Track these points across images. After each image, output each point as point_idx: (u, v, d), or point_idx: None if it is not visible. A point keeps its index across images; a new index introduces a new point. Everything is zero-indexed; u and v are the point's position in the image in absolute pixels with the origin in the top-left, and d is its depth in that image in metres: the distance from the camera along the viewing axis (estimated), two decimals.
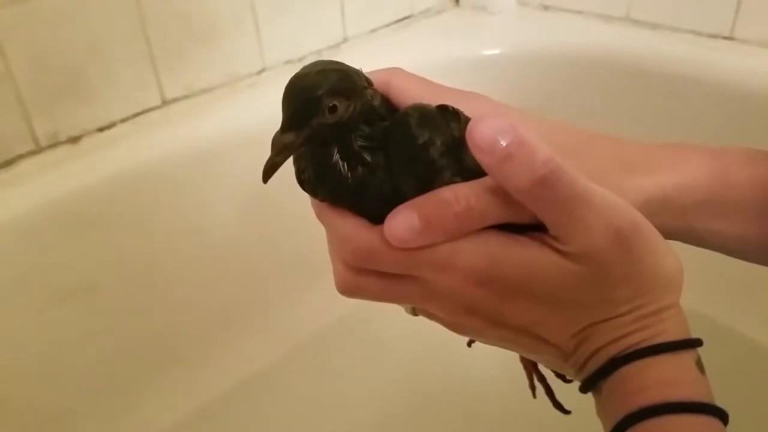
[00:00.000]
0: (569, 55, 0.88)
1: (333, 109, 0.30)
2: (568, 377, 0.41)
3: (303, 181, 0.33)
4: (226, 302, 0.78)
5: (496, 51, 0.88)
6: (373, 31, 0.89)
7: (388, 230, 0.30)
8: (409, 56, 0.86)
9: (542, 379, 0.43)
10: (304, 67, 0.31)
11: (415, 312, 0.37)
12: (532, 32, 0.92)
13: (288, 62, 0.81)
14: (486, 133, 0.28)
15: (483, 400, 0.77)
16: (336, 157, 0.31)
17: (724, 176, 0.37)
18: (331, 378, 0.81)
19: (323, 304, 0.79)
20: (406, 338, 0.80)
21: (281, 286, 0.83)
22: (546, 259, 0.30)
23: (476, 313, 0.32)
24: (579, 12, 0.93)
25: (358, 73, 0.32)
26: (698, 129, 0.81)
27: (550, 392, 0.43)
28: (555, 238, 0.30)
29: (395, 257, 0.30)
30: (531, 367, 0.44)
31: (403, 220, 0.30)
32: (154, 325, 0.73)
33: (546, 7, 0.97)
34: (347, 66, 0.31)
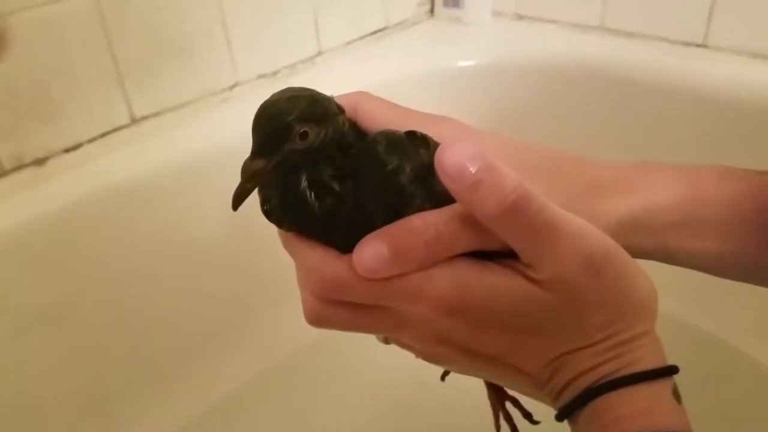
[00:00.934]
0: (544, 64, 0.88)
1: (304, 135, 0.29)
2: (534, 418, 0.41)
3: (267, 212, 0.32)
4: (201, 322, 0.77)
5: (472, 62, 0.87)
6: (348, 43, 0.88)
7: (357, 260, 0.29)
8: (384, 68, 0.86)
9: (509, 419, 0.43)
10: (274, 94, 0.30)
11: (387, 340, 0.36)
12: (507, 43, 0.92)
13: (261, 76, 0.79)
14: (454, 160, 0.27)
15: (463, 418, 0.76)
16: (304, 185, 0.30)
17: (696, 195, 0.37)
18: (308, 397, 0.80)
19: (300, 323, 0.78)
20: (383, 358, 0.79)
21: (256, 306, 0.81)
22: (517, 287, 0.29)
23: (448, 342, 0.31)
24: (553, 21, 0.93)
25: (329, 99, 0.31)
26: (673, 137, 0.81)
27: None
28: (526, 265, 0.29)
29: (364, 288, 0.30)
30: (498, 406, 0.44)
31: (372, 250, 0.29)
32: (127, 348, 0.71)
33: (521, 17, 0.97)
34: (318, 92, 0.31)
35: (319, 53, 0.85)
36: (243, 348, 0.80)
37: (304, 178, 0.30)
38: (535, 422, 0.42)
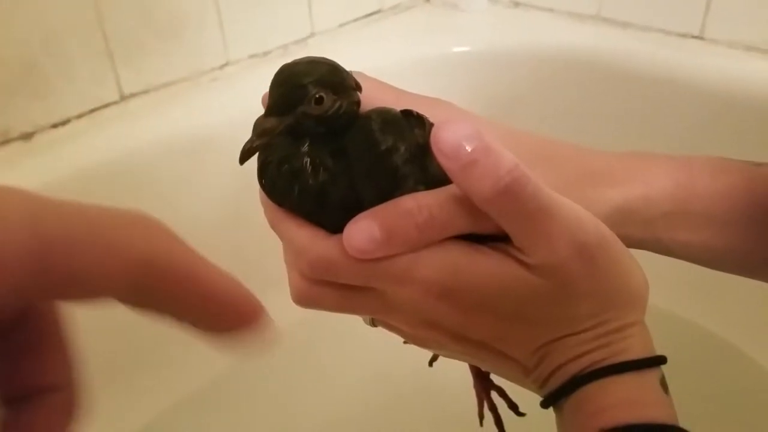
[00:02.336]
0: (539, 53, 0.87)
1: (319, 100, 0.29)
2: (520, 410, 0.41)
3: (261, 176, 0.32)
4: None
5: (466, 48, 0.86)
6: (342, 25, 0.87)
7: (347, 240, 0.29)
8: (377, 52, 0.85)
9: (493, 409, 0.43)
10: (297, 59, 0.30)
11: (374, 323, 0.36)
12: (503, 30, 0.91)
13: (253, 56, 0.78)
14: (451, 138, 0.27)
15: (446, 405, 0.76)
16: (304, 154, 0.30)
17: (690, 187, 0.37)
18: (291, 380, 0.80)
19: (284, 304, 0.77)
20: (368, 343, 0.79)
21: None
22: (508, 271, 0.29)
23: (436, 326, 0.31)
24: (550, 10, 0.93)
25: (348, 73, 0.31)
26: (667, 128, 0.81)
27: (499, 423, 0.43)
28: (519, 249, 0.29)
29: (353, 269, 0.29)
30: (483, 395, 0.43)
31: (363, 231, 0.28)
32: (105, 332, 0.70)
33: (517, 4, 0.96)
34: (339, 64, 0.31)
35: (312, 35, 0.84)
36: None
37: (306, 145, 0.30)
38: (520, 414, 0.42)
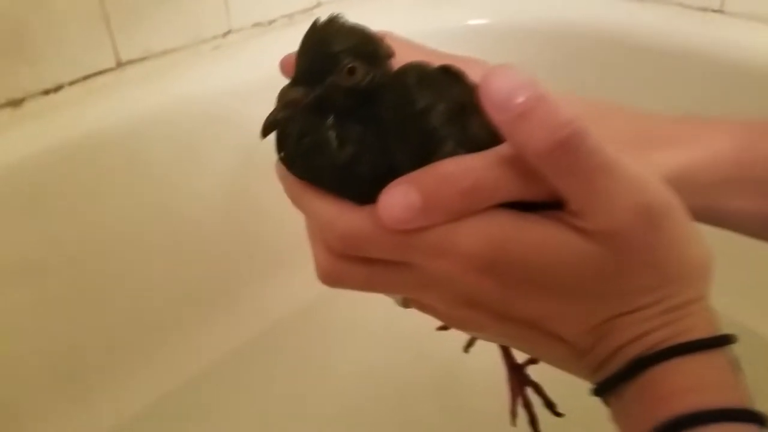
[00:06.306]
0: (556, 27, 0.84)
1: (352, 71, 0.26)
2: (557, 409, 0.38)
3: (281, 149, 0.29)
4: (188, 288, 0.73)
5: (483, 21, 0.83)
6: None
7: (382, 209, 0.25)
8: (387, 24, 0.79)
9: (528, 406, 0.40)
10: (325, 20, 0.28)
11: (406, 303, 0.33)
12: (521, 2, 0.88)
13: (256, 25, 0.74)
14: (502, 87, 0.24)
15: (475, 400, 0.73)
16: (329, 131, 0.27)
17: (748, 152, 0.34)
18: (300, 366, 0.76)
19: (291, 290, 0.74)
20: (383, 331, 0.75)
21: (248, 271, 0.77)
22: (562, 239, 0.26)
23: (478, 304, 0.28)
24: None
25: (381, 40, 0.28)
26: (686, 103, 0.78)
27: (534, 422, 0.39)
28: (574, 214, 0.26)
29: (387, 241, 0.26)
30: (517, 390, 0.40)
31: (400, 198, 0.25)
32: (106, 312, 0.67)
33: None
34: (371, 30, 0.28)
35: (319, 4, 0.80)
36: (231, 314, 0.76)
37: (331, 118, 0.27)
38: (558, 414, 0.38)
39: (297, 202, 0.29)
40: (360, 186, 0.27)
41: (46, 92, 0.62)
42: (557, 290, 0.27)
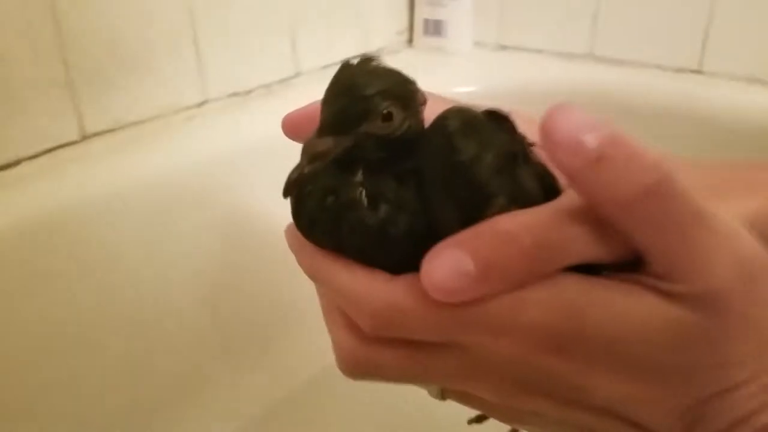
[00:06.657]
0: (530, 93, 0.83)
1: (388, 117, 0.23)
2: None
3: (299, 209, 0.25)
4: (165, 374, 0.64)
5: (470, 88, 0.82)
6: (326, 67, 0.81)
7: (427, 278, 0.21)
8: None
9: None
10: (359, 60, 0.25)
11: (443, 395, 0.27)
12: (491, 72, 0.88)
13: (233, 95, 0.71)
14: (571, 127, 0.20)
15: None
16: (359, 189, 0.23)
17: None
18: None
19: (290, 367, 0.67)
20: (387, 400, 0.68)
21: (227, 359, 0.70)
22: (648, 307, 0.21)
23: (541, 390, 0.23)
24: (539, 51, 0.90)
25: (415, 84, 0.26)
26: None
27: None
28: (660, 276, 0.21)
29: (432, 317, 0.22)
30: None
31: (449, 264, 0.21)
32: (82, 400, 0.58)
33: (503, 47, 0.93)
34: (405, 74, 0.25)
35: (297, 74, 0.77)
36: (248, 380, 0.68)
37: (360, 173, 0.23)
38: None
39: (316, 275, 0.25)
40: (396, 252, 0.23)
41: (3, 167, 0.56)
42: (641, 368, 0.22)
